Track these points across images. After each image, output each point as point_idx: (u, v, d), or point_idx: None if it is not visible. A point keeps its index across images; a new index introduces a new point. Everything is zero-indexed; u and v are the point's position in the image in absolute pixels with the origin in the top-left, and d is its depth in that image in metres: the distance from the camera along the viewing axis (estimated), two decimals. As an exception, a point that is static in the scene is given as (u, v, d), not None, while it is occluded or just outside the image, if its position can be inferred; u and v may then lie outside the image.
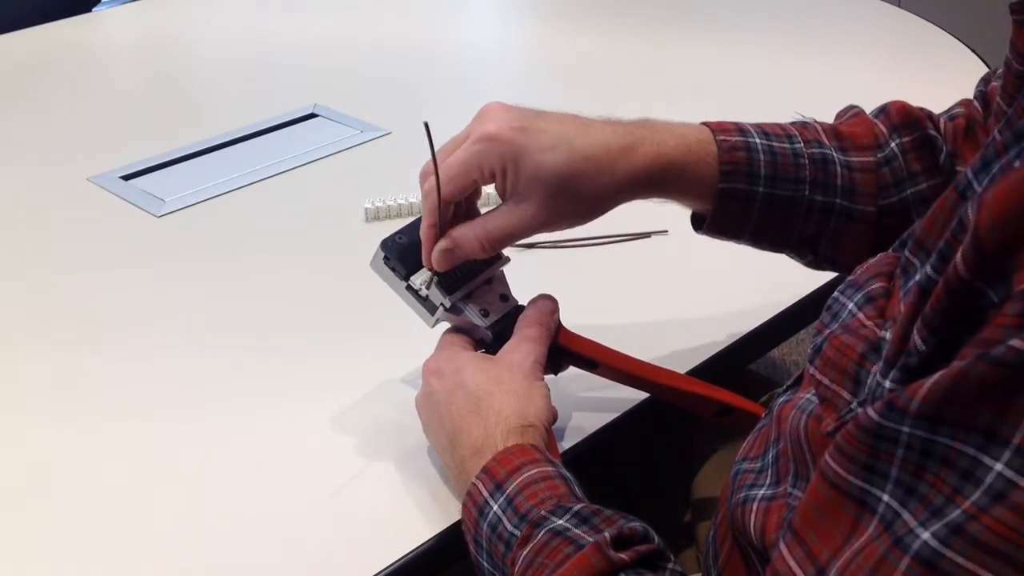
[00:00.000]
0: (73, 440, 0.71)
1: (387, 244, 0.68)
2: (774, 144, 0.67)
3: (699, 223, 0.70)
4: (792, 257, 0.72)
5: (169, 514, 0.65)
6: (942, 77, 1.28)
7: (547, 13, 1.66)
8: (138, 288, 0.90)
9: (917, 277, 0.41)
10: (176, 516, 0.65)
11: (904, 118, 0.70)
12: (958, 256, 0.36)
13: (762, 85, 1.29)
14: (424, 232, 0.66)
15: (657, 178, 0.65)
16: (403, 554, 0.61)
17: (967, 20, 1.59)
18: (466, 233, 0.65)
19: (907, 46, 1.42)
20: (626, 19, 1.56)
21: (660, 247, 0.92)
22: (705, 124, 0.67)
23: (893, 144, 0.69)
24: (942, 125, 0.70)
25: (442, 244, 0.65)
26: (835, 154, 0.68)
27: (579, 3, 1.66)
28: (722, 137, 0.66)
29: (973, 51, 1.33)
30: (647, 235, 0.92)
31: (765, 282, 0.84)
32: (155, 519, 0.64)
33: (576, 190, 0.63)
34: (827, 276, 0.84)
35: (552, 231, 0.67)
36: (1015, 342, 0.32)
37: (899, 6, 1.56)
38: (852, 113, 0.72)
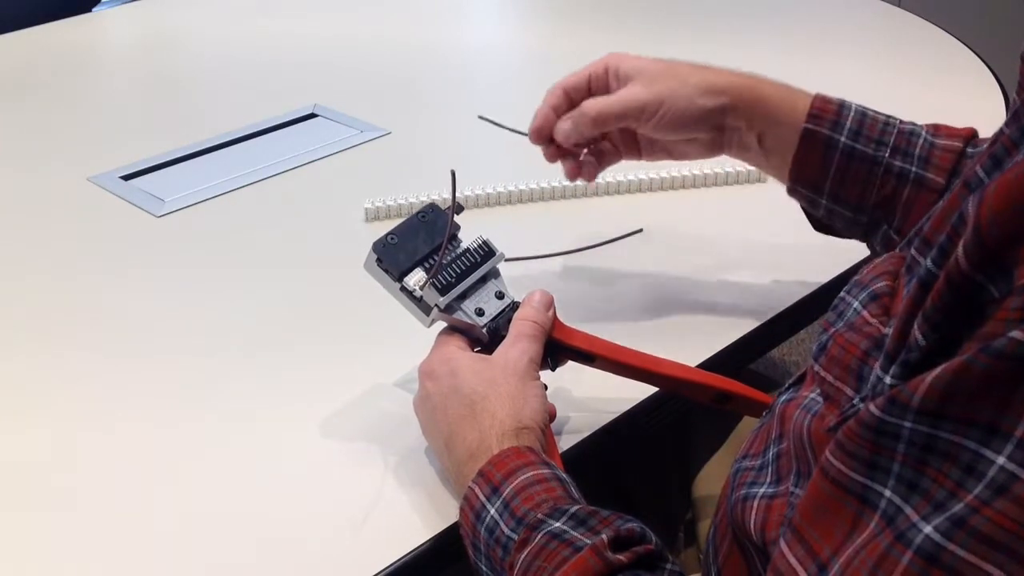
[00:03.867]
0: (73, 440, 0.71)
1: (379, 246, 0.67)
2: (868, 111, 0.73)
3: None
4: (870, 237, 0.76)
5: (167, 514, 0.65)
6: (942, 77, 1.28)
7: (548, 13, 1.66)
8: (138, 288, 0.90)
9: (919, 273, 0.41)
10: (174, 516, 0.64)
11: None
12: (959, 250, 0.35)
13: (762, 85, 1.28)
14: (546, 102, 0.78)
15: (750, 98, 0.73)
16: (401, 555, 0.61)
17: (967, 20, 1.59)
18: (581, 108, 0.75)
19: (907, 46, 1.42)
20: (627, 19, 1.56)
21: (660, 247, 0.92)
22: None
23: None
24: None
25: (561, 122, 0.76)
26: (924, 132, 0.72)
27: (580, 3, 1.66)
28: (820, 93, 0.73)
29: (973, 51, 1.33)
30: (629, 234, 0.92)
31: (765, 283, 0.84)
32: (154, 519, 0.64)
33: (676, 72, 0.74)
34: (827, 276, 0.84)
35: (649, 120, 0.73)
36: (1016, 334, 0.32)
37: (899, 6, 1.56)
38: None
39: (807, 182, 0.73)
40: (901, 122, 0.72)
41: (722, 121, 0.73)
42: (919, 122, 0.73)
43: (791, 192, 0.75)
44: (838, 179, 0.72)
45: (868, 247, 0.78)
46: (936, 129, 0.72)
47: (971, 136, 0.72)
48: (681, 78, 0.73)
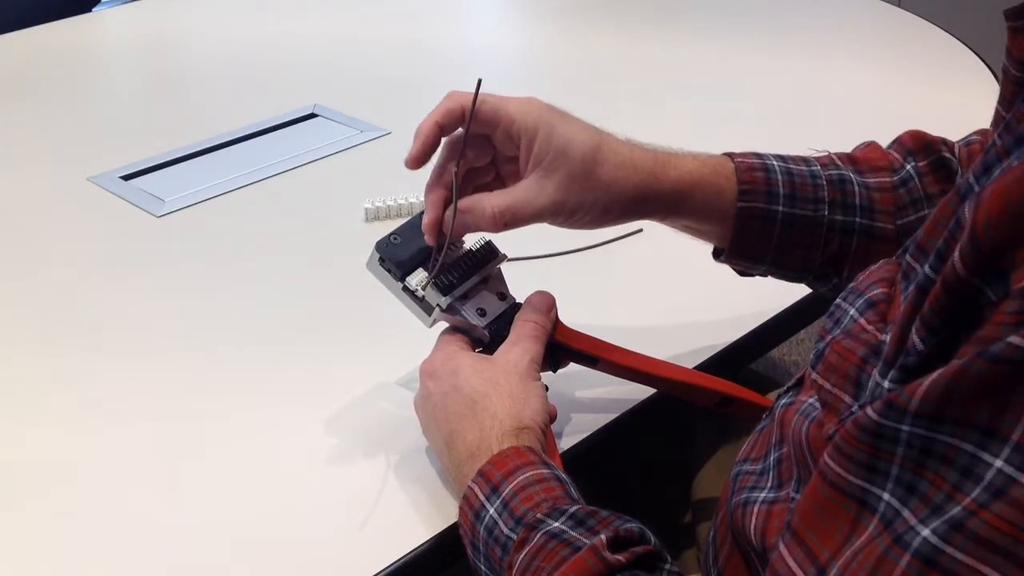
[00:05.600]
0: (73, 440, 0.71)
1: (382, 245, 0.67)
2: (791, 166, 0.68)
3: (720, 254, 0.71)
4: (815, 286, 0.72)
5: (167, 514, 0.65)
6: (942, 77, 1.28)
7: (548, 12, 1.66)
8: (138, 288, 0.90)
9: (916, 279, 0.41)
10: (174, 516, 0.65)
11: (918, 143, 0.70)
12: (956, 254, 0.36)
13: (762, 85, 1.29)
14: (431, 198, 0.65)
15: (677, 192, 0.66)
16: (401, 555, 0.61)
17: (967, 20, 1.59)
18: (480, 201, 0.64)
19: (907, 46, 1.42)
20: (627, 19, 1.56)
21: (660, 247, 0.92)
22: (724, 154, 0.68)
23: (908, 167, 0.69)
24: (957, 151, 0.70)
25: (451, 211, 0.64)
26: (852, 175, 0.68)
27: (580, 3, 1.66)
28: (739, 159, 0.67)
29: (973, 51, 1.33)
30: (629, 234, 0.92)
31: (765, 282, 0.83)
32: (154, 519, 0.64)
33: (597, 177, 0.63)
34: (827, 276, 0.84)
35: (563, 224, 0.66)
36: (1014, 339, 0.32)
37: (899, 6, 1.56)
38: (865, 144, 0.73)
39: (746, 257, 0.69)
40: (822, 165, 0.69)
41: (636, 219, 0.68)
42: (906, 125, 0.72)
43: (721, 261, 0.71)
44: (780, 249, 0.68)
45: (811, 288, 0.75)
46: (855, 164, 0.70)
47: (891, 164, 0.70)
48: (603, 185, 0.64)
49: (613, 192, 0.64)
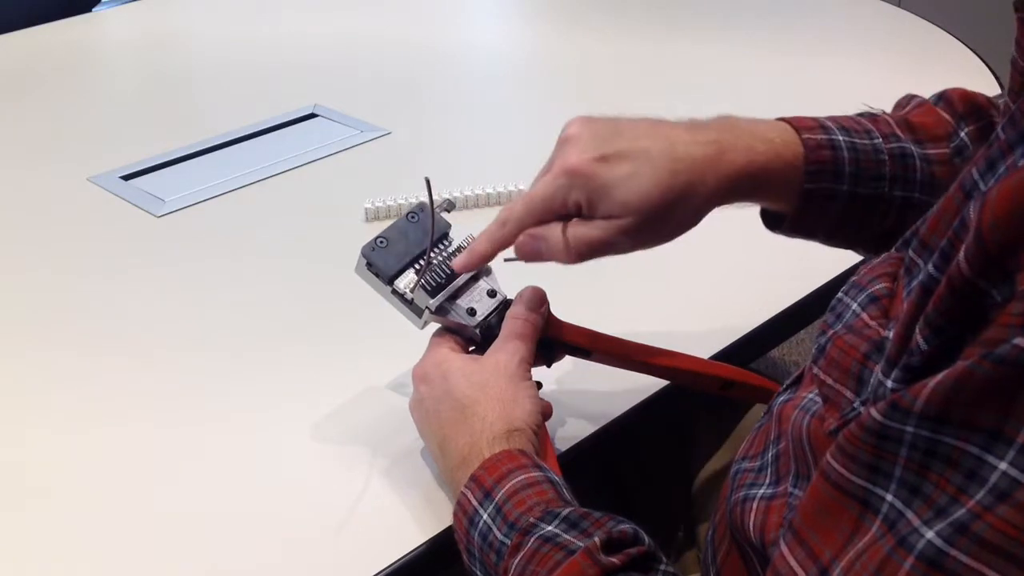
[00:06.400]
0: (73, 440, 0.71)
1: (368, 249, 0.67)
2: (856, 140, 0.66)
3: (770, 220, 0.69)
4: (866, 255, 0.70)
5: (167, 515, 0.65)
6: (942, 77, 1.27)
7: (548, 13, 1.66)
8: (138, 288, 0.90)
9: (920, 277, 0.41)
10: (172, 516, 0.64)
11: (967, 106, 0.68)
12: (961, 255, 0.35)
13: (762, 85, 1.29)
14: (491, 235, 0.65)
15: (747, 185, 0.63)
16: (397, 558, 0.61)
17: (967, 20, 1.59)
18: (557, 232, 0.62)
19: (907, 46, 1.42)
20: (626, 19, 1.56)
21: (659, 247, 0.92)
22: (785, 120, 0.66)
23: (962, 133, 0.67)
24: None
25: (525, 237, 0.63)
26: (913, 148, 0.67)
27: (580, 3, 1.66)
28: (807, 135, 0.65)
29: (973, 51, 1.33)
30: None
31: (765, 282, 0.84)
32: (153, 519, 0.64)
33: (668, 211, 0.62)
34: (826, 276, 0.84)
35: (648, 248, 0.65)
36: (1019, 341, 0.32)
37: (899, 6, 1.56)
38: (916, 103, 0.71)
39: (802, 230, 0.68)
40: (883, 136, 0.67)
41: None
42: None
43: (776, 232, 0.69)
44: (837, 224, 0.66)
45: (861, 256, 0.73)
46: (913, 132, 0.68)
47: (947, 131, 0.68)
48: (671, 213, 0.62)
49: (682, 213, 0.63)
